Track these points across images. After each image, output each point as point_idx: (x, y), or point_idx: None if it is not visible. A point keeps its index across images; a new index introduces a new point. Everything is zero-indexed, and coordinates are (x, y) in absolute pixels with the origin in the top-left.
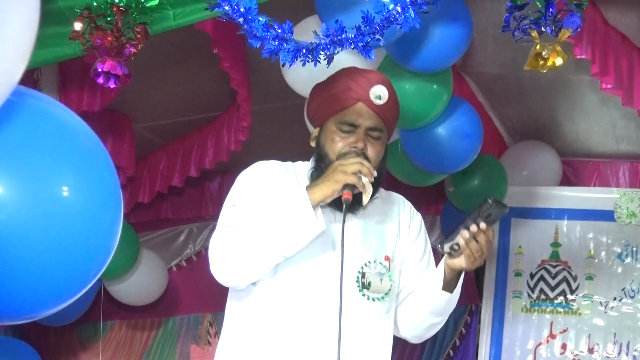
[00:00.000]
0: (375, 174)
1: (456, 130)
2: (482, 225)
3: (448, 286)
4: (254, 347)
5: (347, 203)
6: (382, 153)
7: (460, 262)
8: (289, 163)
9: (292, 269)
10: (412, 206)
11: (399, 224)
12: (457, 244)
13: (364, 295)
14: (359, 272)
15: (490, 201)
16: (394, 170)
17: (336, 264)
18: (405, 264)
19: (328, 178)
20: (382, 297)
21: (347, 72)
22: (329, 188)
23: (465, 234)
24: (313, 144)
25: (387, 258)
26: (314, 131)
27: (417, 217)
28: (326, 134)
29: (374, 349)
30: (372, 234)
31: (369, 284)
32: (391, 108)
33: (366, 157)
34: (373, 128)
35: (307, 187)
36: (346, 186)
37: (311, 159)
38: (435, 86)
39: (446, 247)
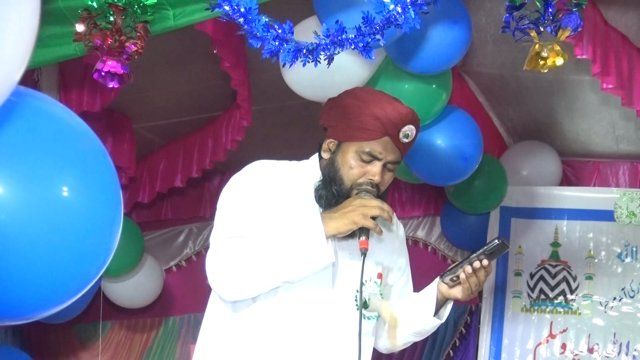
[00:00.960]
0: (394, 218)
1: (457, 150)
2: (485, 262)
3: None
4: None
5: (364, 253)
6: (392, 180)
7: (455, 292)
8: (285, 162)
9: (293, 292)
10: (396, 217)
11: (387, 237)
12: (457, 276)
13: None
14: (357, 291)
15: (497, 241)
16: None
17: (337, 290)
18: (390, 276)
19: (346, 215)
20: (376, 316)
21: (376, 97)
22: (345, 226)
23: (468, 269)
24: (326, 155)
25: (379, 275)
26: (328, 142)
27: (401, 229)
28: (344, 157)
29: None
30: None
31: (366, 303)
32: (413, 142)
33: (378, 189)
34: (393, 162)
35: (322, 217)
36: (362, 229)
37: (313, 159)
38: (434, 86)
39: (446, 279)
